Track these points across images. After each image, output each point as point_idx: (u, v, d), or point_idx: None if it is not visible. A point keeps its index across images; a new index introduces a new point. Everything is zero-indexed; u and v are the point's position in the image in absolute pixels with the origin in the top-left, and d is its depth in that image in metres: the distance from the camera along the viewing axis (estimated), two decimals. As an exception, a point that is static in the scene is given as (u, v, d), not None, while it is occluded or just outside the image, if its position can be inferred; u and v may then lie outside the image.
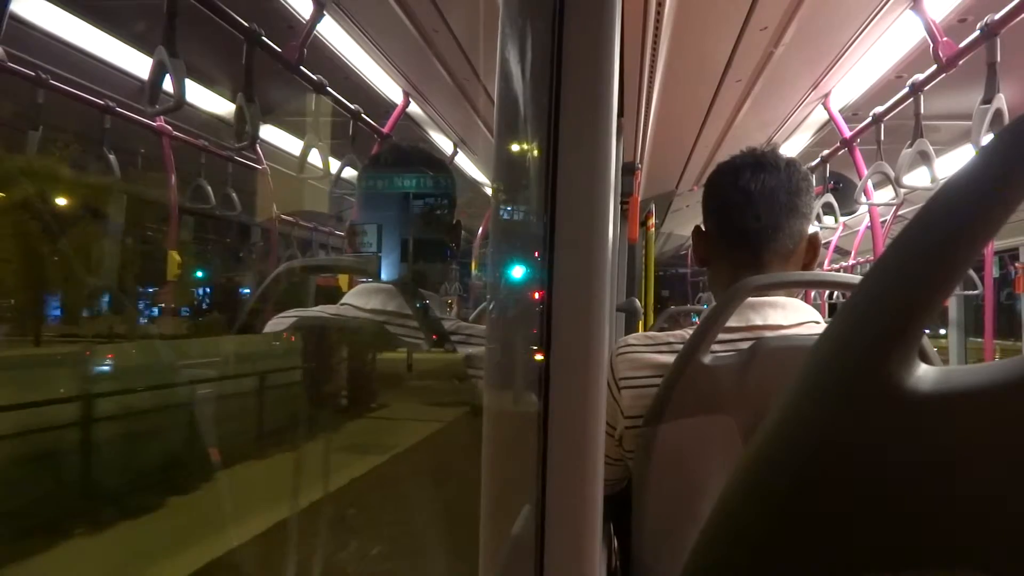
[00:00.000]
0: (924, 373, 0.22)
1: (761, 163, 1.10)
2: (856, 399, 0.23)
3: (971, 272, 4.63)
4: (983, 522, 0.22)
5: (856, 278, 1.06)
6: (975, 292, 4.90)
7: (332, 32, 2.36)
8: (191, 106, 2.43)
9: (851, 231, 5.89)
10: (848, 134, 3.12)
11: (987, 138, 1.97)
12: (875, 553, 0.23)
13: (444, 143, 3.57)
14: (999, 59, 1.95)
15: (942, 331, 5.87)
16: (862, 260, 6.21)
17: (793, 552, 0.24)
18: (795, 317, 1.06)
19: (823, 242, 1.16)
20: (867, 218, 4.34)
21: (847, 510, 0.23)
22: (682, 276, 12.28)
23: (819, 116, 3.35)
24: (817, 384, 0.24)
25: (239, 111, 1.77)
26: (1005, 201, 0.22)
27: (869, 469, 0.23)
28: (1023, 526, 0.22)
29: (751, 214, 1.08)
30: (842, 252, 6.81)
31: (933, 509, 0.22)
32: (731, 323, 1.02)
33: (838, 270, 6.50)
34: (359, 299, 1.13)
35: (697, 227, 1.18)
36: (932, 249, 0.22)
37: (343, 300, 1.15)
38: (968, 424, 0.22)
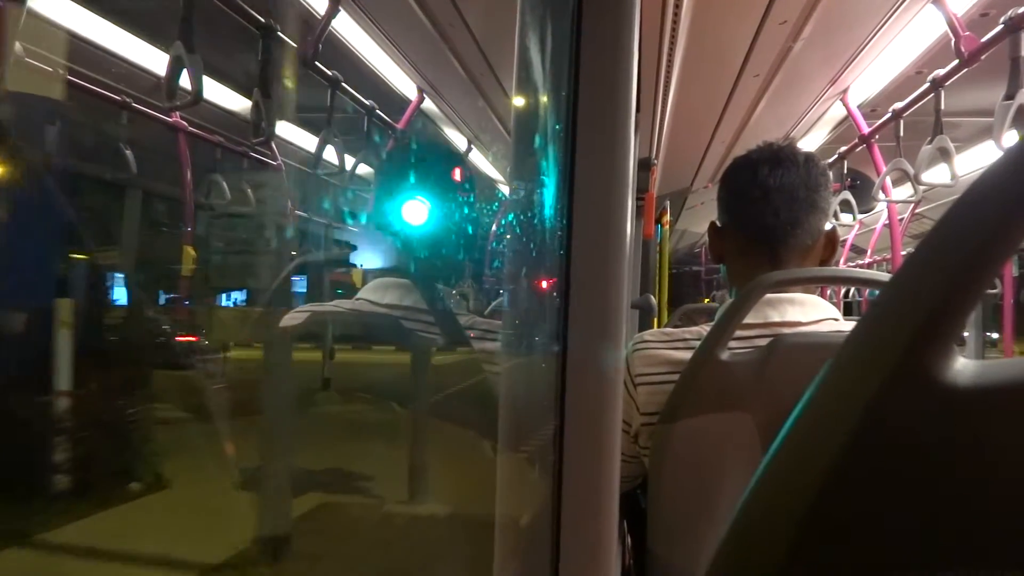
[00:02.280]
0: (963, 367, 0.22)
1: (779, 158, 1.08)
2: (895, 392, 0.22)
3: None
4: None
5: (877, 274, 1.05)
6: (994, 291, 4.85)
7: (347, 27, 2.36)
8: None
9: (867, 229, 5.83)
10: (866, 130, 3.09)
11: (1009, 134, 1.94)
12: (913, 551, 0.22)
13: (458, 139, 3.57)
14: (1023, 54, 1.92)
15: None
16: (879, 259, 6.15)
17: (826, 550, 0.23)
18: (814, 314, 1.05)
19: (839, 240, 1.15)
20: (884, 216, 4.29)
21: (884, 505, 0.23)
22: (696, 274, 12.23)
23: (837, 112, 3.31)
24: (852, 378, 0.24)
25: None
26: None
27: (907, 462, 0.22)
28: None
29: (769, 210, 1.06)
30: (858, 250, 6.75)
31: (972, 503, 0.22)
32: (748, 319, 1.01)
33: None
34: (375, 294, 1.13)
35: (713, 223, 1.17)
36: (970, 242, 0.22)
37: (358, 295, 1.15)
38: (1008, 417, 0.22)
